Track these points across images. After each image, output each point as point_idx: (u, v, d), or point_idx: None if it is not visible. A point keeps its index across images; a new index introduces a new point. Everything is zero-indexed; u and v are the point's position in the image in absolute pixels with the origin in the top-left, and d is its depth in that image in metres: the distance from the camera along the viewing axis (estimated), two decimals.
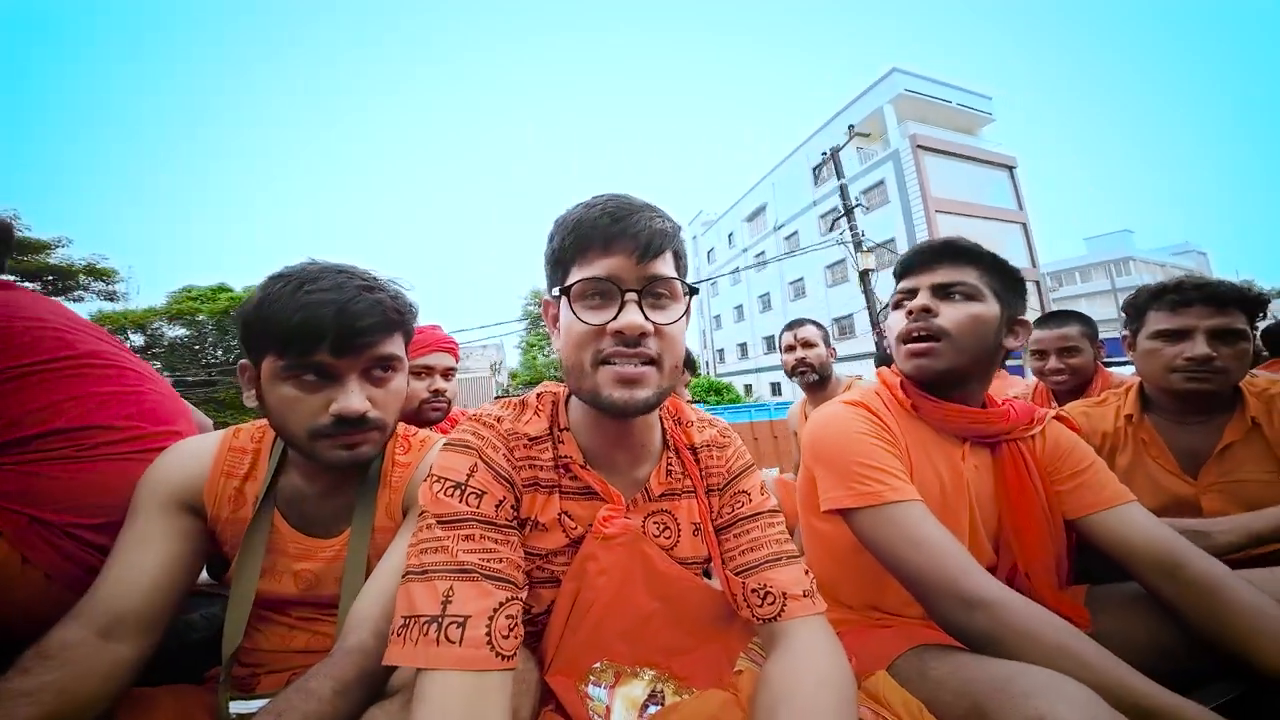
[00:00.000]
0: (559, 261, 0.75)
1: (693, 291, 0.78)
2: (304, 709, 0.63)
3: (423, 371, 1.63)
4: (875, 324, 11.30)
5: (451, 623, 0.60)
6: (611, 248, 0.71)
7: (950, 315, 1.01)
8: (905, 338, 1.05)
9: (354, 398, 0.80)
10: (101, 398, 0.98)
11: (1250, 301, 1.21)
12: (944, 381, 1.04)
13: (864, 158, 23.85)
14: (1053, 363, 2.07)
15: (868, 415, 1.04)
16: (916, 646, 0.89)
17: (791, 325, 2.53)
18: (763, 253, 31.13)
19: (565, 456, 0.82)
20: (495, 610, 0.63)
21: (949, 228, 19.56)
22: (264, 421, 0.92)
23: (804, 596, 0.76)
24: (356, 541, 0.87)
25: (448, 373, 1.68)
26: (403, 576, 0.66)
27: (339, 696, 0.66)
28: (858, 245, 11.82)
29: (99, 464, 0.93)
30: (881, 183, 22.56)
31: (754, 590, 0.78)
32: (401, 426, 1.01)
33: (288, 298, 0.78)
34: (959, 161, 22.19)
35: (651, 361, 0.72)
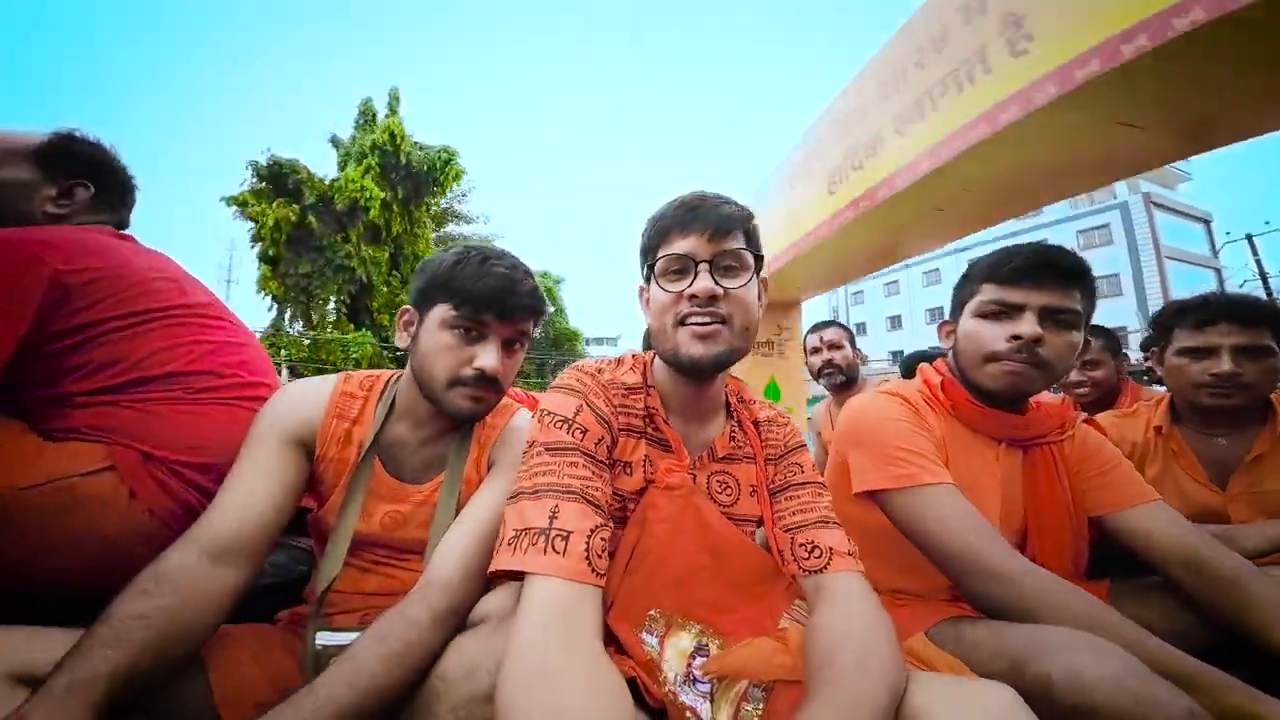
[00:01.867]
0: (647, 249, 0.91)
1: (759, 260, 0.89)
2: (406, 635, 0.70)
3: None
4: None
5: (557, 535, 0.68)
6: (688, 230, 0.85)
7: (1054, 346, 1.00)
8: (1001, 357, 1.03)
9: (494, 357, 0.95)
10: (212, 346, 1.07)
11: (1278, 317, 1.25)
12: (1015, 399, 1.08)
13: (1076, 202, 28.09)
14: (1074, 375, 2.12)
15: (904, 404, 1.11)
16: (950, 618, 0.94)
17: (817, 328, 2.61)
18: (936, 269, 34.76)
19: (652, 408, 0.93)
20: (593, 531, 0.71)
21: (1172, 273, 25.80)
22: (372, 372, 1.05)
23: (849, 555, 0.84)
24: (448, 487, 0.97)
25: None
26: (511, 498, 0.75)
27: (435, 625, 0.73)
28: None
29: (205, 407, 1.02)
30: (1106, 226, 28.06)
31: (801, 545, 0.86)
32: (511, 399, 1.13)
33: (476, 265, 0.94)
34: (1171, 215, 28.17)
35: (724, 321, 0.83)
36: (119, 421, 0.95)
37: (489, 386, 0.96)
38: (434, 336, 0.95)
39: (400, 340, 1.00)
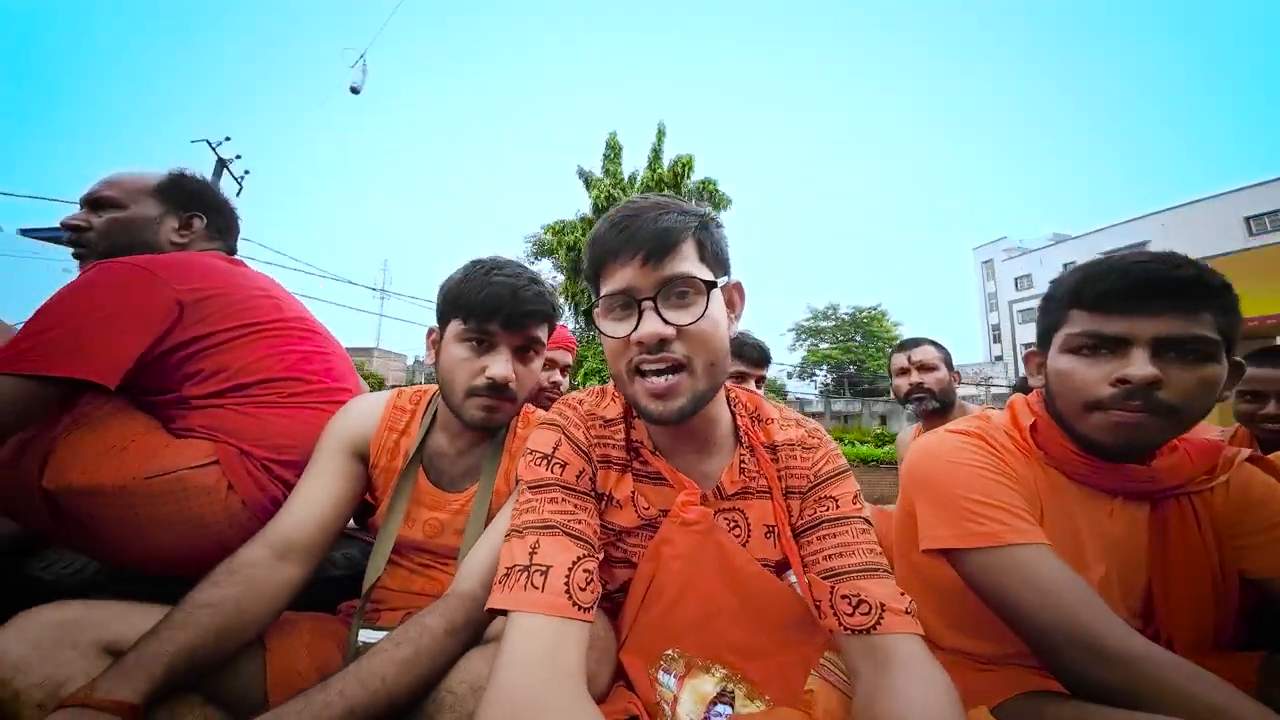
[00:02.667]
0: (590, 279, 0.81)
1: (710, 285, 0.74)
2: (419, 641, 0.73)
3: (549, 364, 1.86)
4: None
5: (536, 570, 0.67)
6: (621, 257, 0.73)
7: (1181, 386, 0.78)
8: (1106, 405, 0.82)
9: (504, 365, 0.96)
10: (300, 355, 1.20)
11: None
12: (1132, 452, 0.87)
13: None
14: (1272, 407, 1.65)
15: (984, 448, 0.94)
16: (1028, 692, 0.79)
17: (904, 346, 2.31)
18: None
19: (637, 441, 0.87)
20: (574, 564, 0.69)
21: None
22: (422, 387, 1.11)
23: (905, 614, 0.71)
24: (480, 498, 1.00)
25: (565, 369, 1.91)
26: (505, 537, 0.75)
27: (449, 635, 0.76)
28: None
29: (294, 410, 1.14)
30: None
31: (844, 597, 0.73)
32: (526, 405, 1.14)
33: (480, 277, 0.97)
34: None
35: (681, 366, 0.73)
36: (223, 422, 1.09)
37: (502, 395, 0.98)
38: (449, 351, 0.99)
39: (428, 359, 1.05)
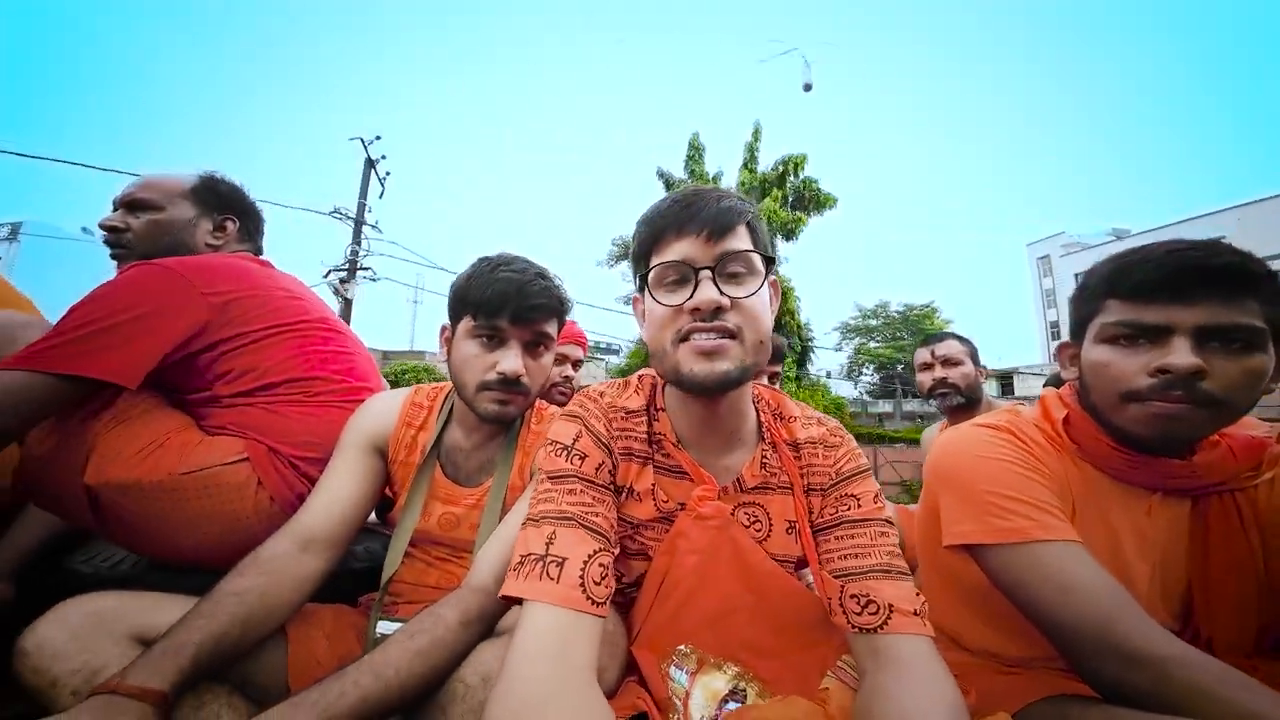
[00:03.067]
0: (639, 255, 0.81)
1: (771, 262, 0.78)
2: (433, 633, 0.75)
3: (560, 358, 1.86)
4: None
5: (552, 561, 0.68)
6: (683, 231, 0.75)
7: (1225, 376, 0.74)
8: (1145, 396, 0.78)
9: (514, 360, 0.98)
10: (324, 355, 1.23)
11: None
12: (1174, 445, 0.84)
13: None
14: None
15: (1013, 442, 0.90)
16: (1054, 696, 0.76)
17: (929, 341, 2.26)
18: None
19: (659, 434, 0.86)
20: (589, 557, 0.70)
21: None
22: (439, 384, 1.13)
23: (914, 615, 0.70)
24: (495, 492, 1.01)
25: (576, 363, 1.92)
26: (521, 526, 0.76)
27: (462, 626, 0.77)
28: None
29: (318, 408, 1.17)
30: None
31: (853, 596, 0.73)
32: (539, 401, 1.15)
33: (486, 274, 0.99)
34: None
35: (732, 335, 0.74)
36: (253, 420, 1.13)
37: (513, 389, 0.99)
38: (461, 347, 1.01)
39: (442, 355, 1.06)
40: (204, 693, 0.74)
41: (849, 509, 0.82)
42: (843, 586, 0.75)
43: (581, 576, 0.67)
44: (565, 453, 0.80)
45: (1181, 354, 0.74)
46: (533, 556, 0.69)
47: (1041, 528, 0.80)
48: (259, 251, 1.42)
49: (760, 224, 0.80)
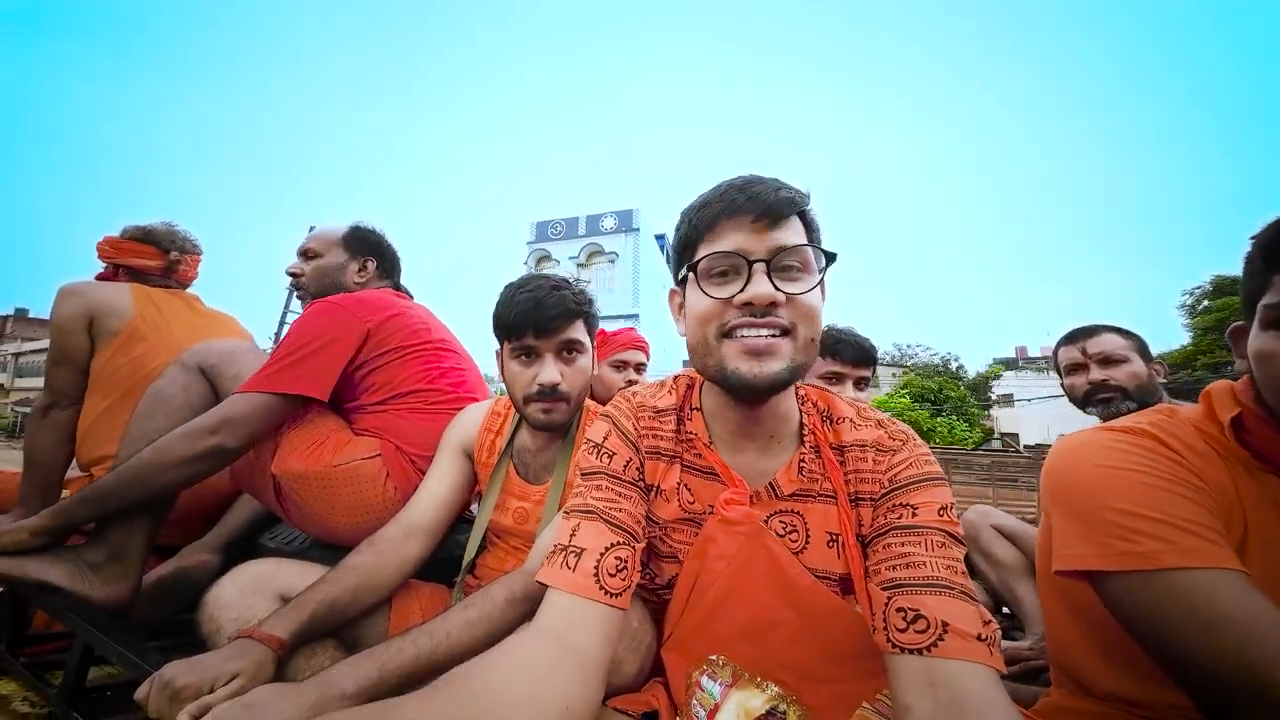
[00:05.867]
0: (685, 244, 0.76)
1: (830, 259, 0.73)
2: (482, 607, 0.86)
3: (621, 365, 1.91)
4: None
5: (572, 552, 0.71)
6: (736, 218, 0.70)
7: None
8: None
9: (548, 372, 1.06)
10: (441, 370, 1.44)
11: None
12: None
13: None
14: None
15: (1154, 448, 0.72)
16: None
17: (1076, 336, 1.76)
18: None
19: (691, 433, 0.84)
20: (606, 549, 0.72)
21: None
22: None
23: (977, 640, 0.58)
24: (554, 489, 1.09)
25: (640, 367, 1.94)
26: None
27: (508, 604, 0.86)
28: None
29: (434, 415, 1.36)
30: None
31: (899, 610, 0.63)
32: (594, 404, 1.20)
33: (509, 298, 1.09)
34: None
35: (785, 332, 0.69)
36: (386, 424, 1.35)
37: (555, 398, 1.06)
38: (507, 368, 1.11)
39: (498, 376, 1.16)
40: (318, 645, 0.90)
41: (900, 516, 0.71)
42: (889, 599, 0.65)
43: (596, 567, 0.69)
44: (596, 451, 0.83)
45: None
46: (559, 547, 0.73)
47: (1179, 552, 0.62)
48: (398, 286, 1.70)
49: (817, 220, 0.75)
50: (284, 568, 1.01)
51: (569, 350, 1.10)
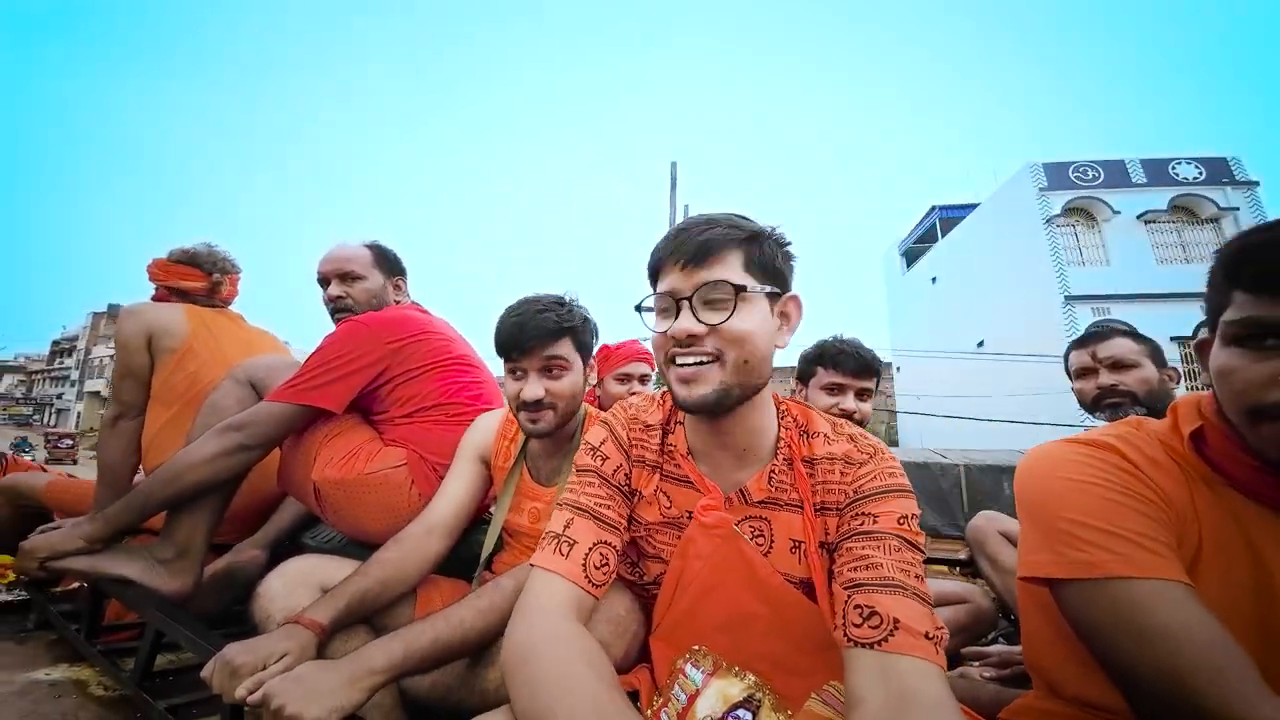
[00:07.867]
0: (651, 283, 0.89)
1: (774, 280, 0.82)
2: (493, 596, 0.97)
3: (624, 378, 2.01)
4: None
5: (565, 541, 0.82)
6: (666, 264, 0.83)
7: None
8: (1272, 414, 0.67)
9: (530, 388, 1.16)
10: (462, 384, 1.56)
11: None
12: None
13: None
14: None
15: (1114, 461, 0.76)
16: None
17: (1086, 340, 1.74)
18: None
19: (672, 445, 0.94)
20: (594, 545, 0.82)
21: None
22: None
23: (924, 638, 0.65)
24: (560, 490, 1.17)
25: (644, 379, 2.03)
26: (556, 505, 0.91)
27: (515, 593, 0.94)
28: None
29: (455, 426, 1.47)
30: None
31: (856, 607, 0.70)
32: (596, 411, 1.31)
33: (500, 321, 1.20)
34: None
35: (715, 359, 0.79)
36: (412, 435, 1.48)
37: (538, 408, 1.16)
38: (504, 382, 1.24)
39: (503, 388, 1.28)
40: (351, 631, 1.03)
41: (861, 524, 0.78)
42: (849, 598, 0.72)
43: (584, 560, 0.80)
44: (593, 452, 0.94)
45: None
46: (551, 534, 0.83)
47: (1125, 562, 0.67)
48: (418, 303, 1.84)
49: (762, 247, 0.82)
50: (323, 563, 1.13)
51: (552, 368, 1.19)
